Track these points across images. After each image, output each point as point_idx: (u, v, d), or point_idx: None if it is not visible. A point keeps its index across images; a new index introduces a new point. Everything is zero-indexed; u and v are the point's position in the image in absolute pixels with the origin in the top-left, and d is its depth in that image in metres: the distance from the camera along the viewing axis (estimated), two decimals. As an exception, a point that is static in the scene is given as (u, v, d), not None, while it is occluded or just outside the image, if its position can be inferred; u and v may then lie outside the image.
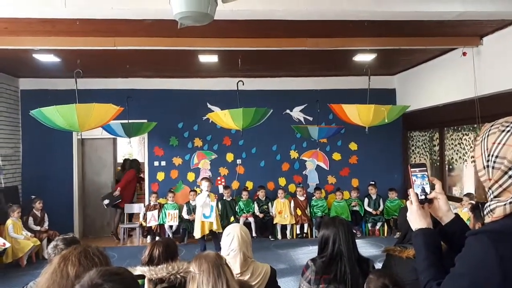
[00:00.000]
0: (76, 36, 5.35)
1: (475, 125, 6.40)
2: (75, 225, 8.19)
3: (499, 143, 1.11)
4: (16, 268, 6.21)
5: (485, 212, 1.13)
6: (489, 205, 1.12)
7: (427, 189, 1.40)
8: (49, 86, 8.11)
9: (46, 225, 7.12)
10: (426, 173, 1.43)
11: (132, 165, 9.04)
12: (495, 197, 1.12)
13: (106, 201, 7.95)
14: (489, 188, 1.14)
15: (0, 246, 5.83)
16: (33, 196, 7.35)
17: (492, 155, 1.12)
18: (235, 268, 2.41)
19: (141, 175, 9.20)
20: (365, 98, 6.03)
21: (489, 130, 1.16)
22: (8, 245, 6.00)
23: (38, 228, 6.96)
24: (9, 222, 6.41)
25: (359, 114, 5.55)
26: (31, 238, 6.57)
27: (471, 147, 6.87)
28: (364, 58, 6.84)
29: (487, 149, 1.14)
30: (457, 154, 7.28)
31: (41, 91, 8.08)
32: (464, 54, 6.12)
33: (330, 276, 2.32)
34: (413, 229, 1.39)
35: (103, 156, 8.63)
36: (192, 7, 2.35)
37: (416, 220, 1.37)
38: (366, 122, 5.66)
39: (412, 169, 1.44)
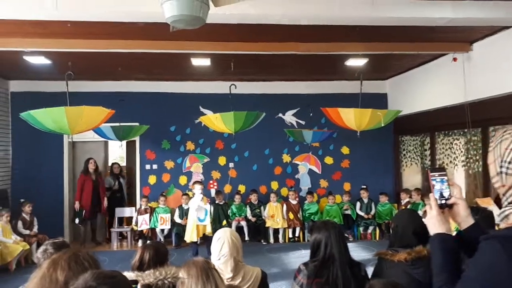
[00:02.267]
0: (67, 38, 5.31)
1: (465, 130, 6.47)
2: (65, 229, 8.09)
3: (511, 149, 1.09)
4: (5, 273, 6.11)
5: (499, 218, 1.12)
6: (504, 211, 1.10)
7: (446, 194, 1.37)
8: (40, 88, 8.03)
9: (35, 229, 7.02)
10: (445, 177, 1.39)
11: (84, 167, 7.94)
12: (509, 203, 1.11)
13: (77, 220, 7.63)
14: (503, 195, 1.13)
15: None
16: (22, 200, 7.24)
17: (505, 161, 1.10)
18: (226, 273, 2.40)
19: (94, 177, 7.83)
20: (357, 103, 6.07)
21: (502, 136, 1.14)
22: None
23: (27, 232, 6.87)
24: (-2, 225, 6.33)
25: (355, 118, 5.55)
26: (20, 242, 6.47)
27: (461, 151, 6.94)
28: (356, 62, 6.89)
29: (500, 155, 1.12)
30: (447, 158, 7.35)
31: (32, 93, 8.00)
32: (455, 59, 6.19)
33: (322, 280, 2.32)
34: (431, 234, 1.36)
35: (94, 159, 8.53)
36: (184, 10, 2.34)
37: (435, 225, 1.35)
38: (361, 126, 5.67)
39: (431, 173, 1.40)
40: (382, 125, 5.74)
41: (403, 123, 8.43)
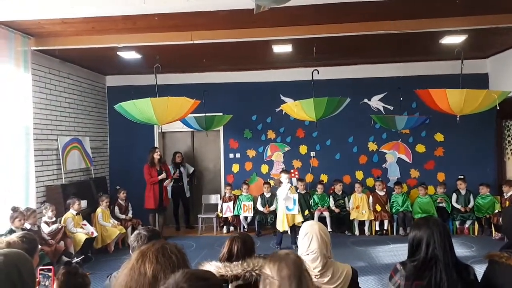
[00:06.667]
0: (155, 31, 5.52)
1: None
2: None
3: None
4: (104, 254, 6.67)
5: None
6: None
7: None
8: (132, 82, 8.55)
9: (130, 214, 7.54)
10: None
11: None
12: None
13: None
14: None
15: (89, 235, 6.27)
16: (117, 187, 7.81)
17: None
18: (315, 271, 2.27)
19: (159, 168, 7.46)
20: (452, 85, 5.44)
21: None
22: (95, 234, 6.43)
23: (123, 216, 7.40)
24: (98, 210, 6.90)
25: (464, 101, 4.92)
26: (118, 226, 7.00)
27: None
28: (453, 40, 6.21)
29: None
30: None
31: (125, 87, 8.57)
32: None
33: (423, 283, 2.07)
34: None
35: (182, 148, 8.91)
36: (269, -15, 2.21)
37: None
38: (468, 109, 5.01)
39: None
40: (498, 108, 5.09)
41: (508, 106, 7.44)
